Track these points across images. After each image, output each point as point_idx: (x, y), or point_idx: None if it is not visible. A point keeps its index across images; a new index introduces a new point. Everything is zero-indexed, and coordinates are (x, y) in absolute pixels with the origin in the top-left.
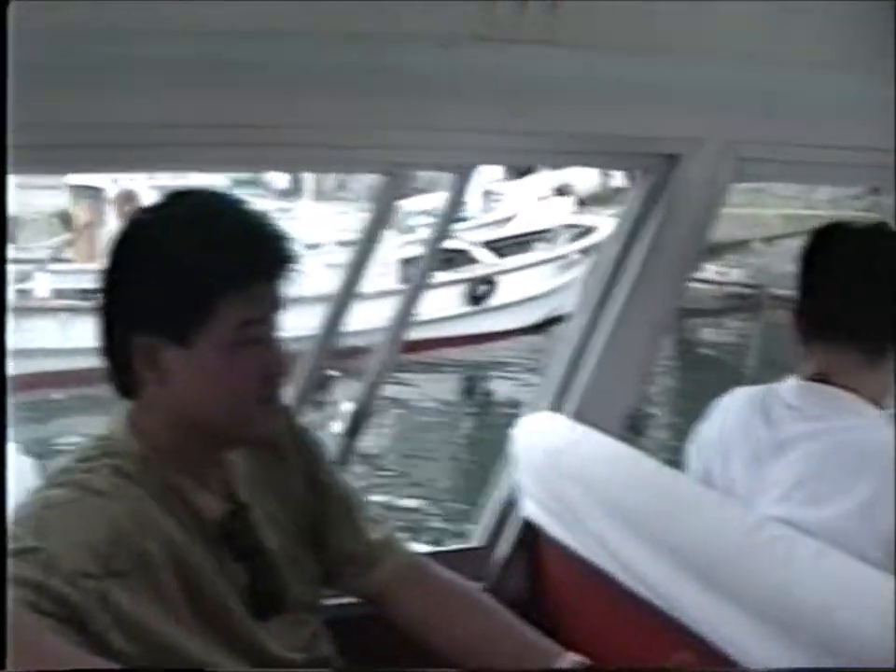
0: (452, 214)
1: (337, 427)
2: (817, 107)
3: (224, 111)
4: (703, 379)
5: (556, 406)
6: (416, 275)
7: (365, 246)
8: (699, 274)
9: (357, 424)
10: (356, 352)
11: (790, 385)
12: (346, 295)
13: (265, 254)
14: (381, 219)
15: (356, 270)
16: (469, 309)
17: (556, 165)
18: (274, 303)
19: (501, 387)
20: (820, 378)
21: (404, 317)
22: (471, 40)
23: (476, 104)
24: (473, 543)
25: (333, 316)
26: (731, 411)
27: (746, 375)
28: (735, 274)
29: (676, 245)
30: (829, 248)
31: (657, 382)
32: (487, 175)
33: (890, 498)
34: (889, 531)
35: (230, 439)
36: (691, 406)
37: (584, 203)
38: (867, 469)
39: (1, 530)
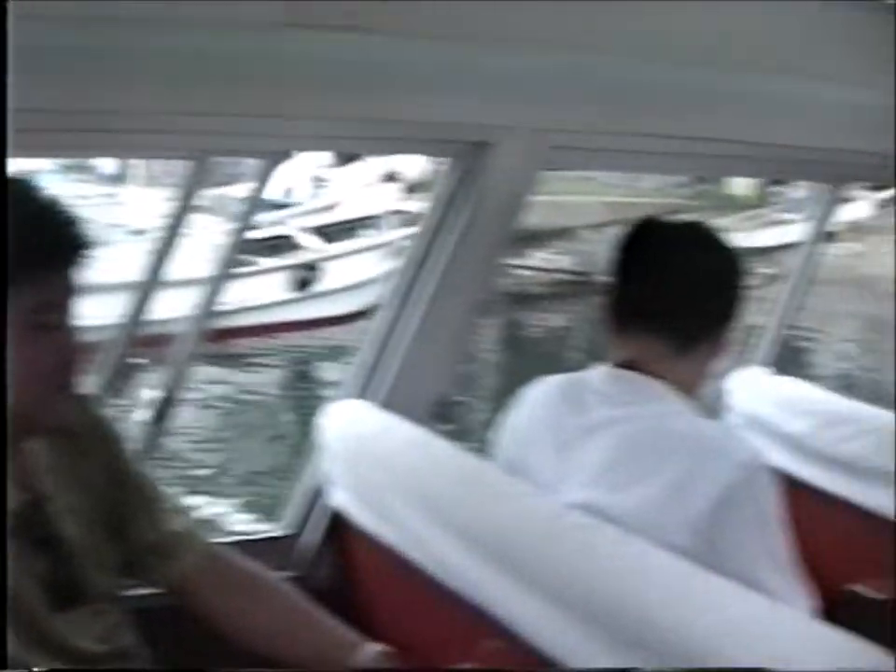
0: (257, 201)
1: (143, 415)
2: (631, 95)
3: (33, 97)
4: (528, 366)
5: (366, 394)
6: (221, 263)
7: (171, 233)
8: (527, 261)
9: (163, 412)
10: (164, 339)
11: (599, 372)
12: (151, 282)
13: (57, 240)
14: (186, 206)
15: (161, 257)
16: (295, 295)
17: (368, 151)
18: (69, 289)
19: (331, 373)
20: (630, 366)
21: (210, 304)
22: (286, 27)
23: (289, 90)
24: (281, 532)
25: (139, 303)
26: (539, 399)
27: (569, 362)
28: (562, 261)
29: (486, 232)
30: (645, 242)
31: (481, 369)
32: (315, 161)
33: (696, 484)
34: (695, 516)
35: (26, 426)
36: (514, 393)
37: (413, 189)
38: (673, 454)
39: (1, 530)
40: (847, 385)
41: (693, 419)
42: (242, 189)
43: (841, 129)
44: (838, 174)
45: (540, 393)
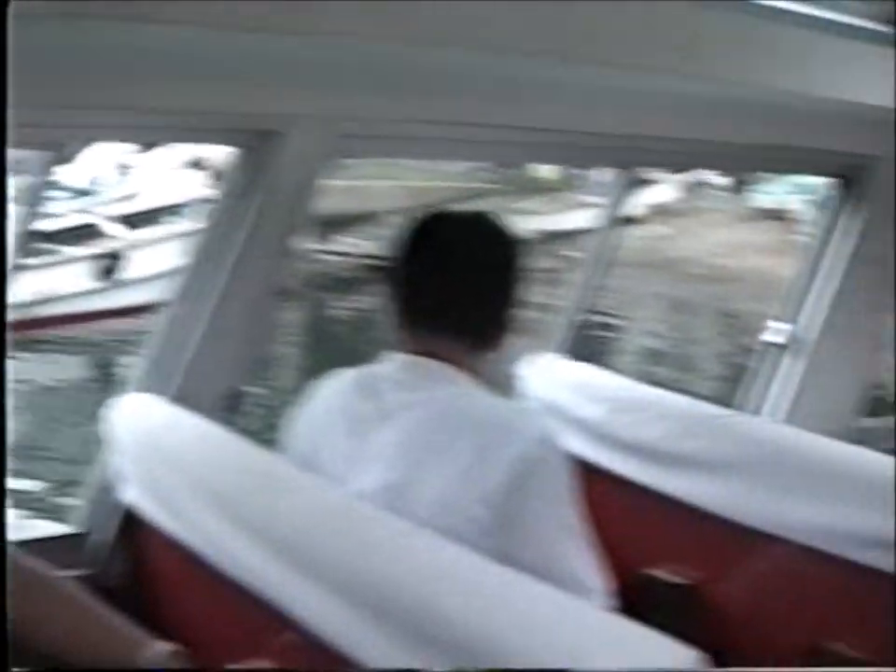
0: (41, 192)
1: None
2: (425, 83)
3: None
4: (333, 352)
5: (157, 387)
6: (10, 254)
7: None
8: (334, 247)
9: None
10: None
11: (392, 361)
12: None
13: None
14: None
15: None
16: (99, 284)
17: (158, 142)
18: None
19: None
20: (422, 354)
21: None
22: (63, 16)
23: (76, 80)
24: (73, 529)
25: None
26: (332, 390)
27: (375, 345)
28: (369, 246)
29: (277, 221)
30: (428, 237)
31: (284, 357)
32: (121, 148)
33: (492, 459)
34: (493, 490)
35: None
36: (317, 381)
37: (219, 176)
38: (469, 432)
39: (1, 529)
40: (655, 362)
41: (489, 399)
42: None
43: (636, 115)
44: (632, 159)
45: (334, 385)
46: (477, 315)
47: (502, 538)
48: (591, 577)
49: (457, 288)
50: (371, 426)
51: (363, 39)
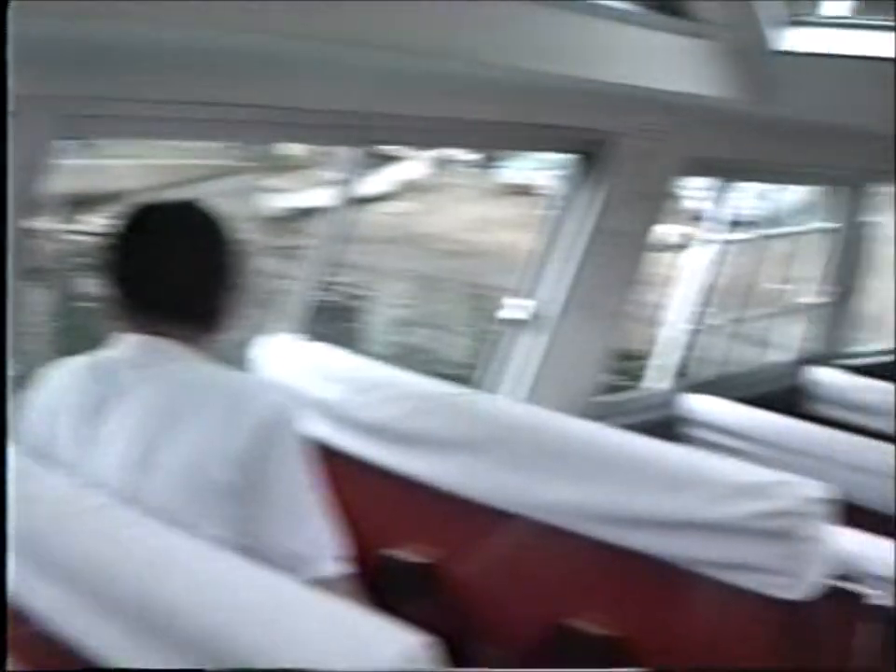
0: None
1: None
2: (162, 62)
3: None
4: (82, 334)
5: None
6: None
7: None
8: (83, 227)
9: None
10: None
11: (123, 343)
12: None
13: None
14: None
15: None
16: None
17: None
18: None
19: None
20: (153, 335)
21: None
22: None
23: None
24: None
25: None
26: (65, 376)
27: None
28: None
29: (7, 202)
30: (140, 229)
31: (31, 339)
32: None
33: (233, 422)
34: (236, 452)
35: None
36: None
37: None
38: (208, 399)
39: (1, 530)
40: (403, 340)
41: (224, 371)
42: None
43: (380, 93)
44: (377, 137)
45: (67, 370)
46: (195, 301)
47: (245, 503)
48: (330, 544)
49: (171, 277)
50: (107, 407)
51: (95, 21)
